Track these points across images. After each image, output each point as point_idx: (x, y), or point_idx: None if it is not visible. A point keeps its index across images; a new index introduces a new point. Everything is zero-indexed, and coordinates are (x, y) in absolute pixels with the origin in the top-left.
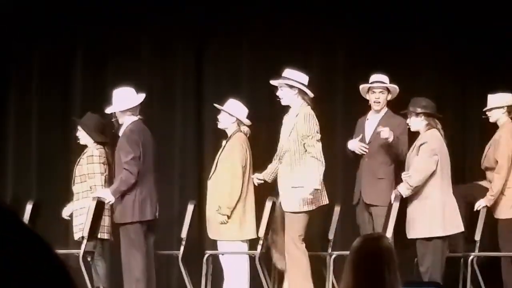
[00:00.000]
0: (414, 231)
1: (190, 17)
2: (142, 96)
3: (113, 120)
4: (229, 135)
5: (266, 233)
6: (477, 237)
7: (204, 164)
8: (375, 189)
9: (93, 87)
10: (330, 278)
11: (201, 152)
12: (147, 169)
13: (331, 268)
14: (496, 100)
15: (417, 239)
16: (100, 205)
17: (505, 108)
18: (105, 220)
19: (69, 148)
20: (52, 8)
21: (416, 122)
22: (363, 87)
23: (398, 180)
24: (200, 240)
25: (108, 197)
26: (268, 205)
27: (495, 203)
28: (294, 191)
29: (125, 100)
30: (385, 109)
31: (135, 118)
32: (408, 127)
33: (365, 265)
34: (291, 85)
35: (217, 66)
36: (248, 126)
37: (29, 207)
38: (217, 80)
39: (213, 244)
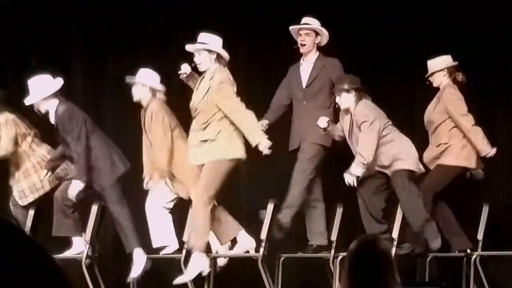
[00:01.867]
0: None
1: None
2: (60, 81)
3: (35, 110)
4: (144, 106)
5: (268, 235)
6: (480, 236)
7: None
8: (316, 130)
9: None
10: (336, 281)
11: None
12: (93, 135)
13: (337, 270)
14: (435, 64)
15: None
16: (102, 209)
17: (445, 70)
18: None
19: None
20: (50, 7)
21: (347, 99)
22: (292, 28)
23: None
24: None
25: (78, 186)
26: (269, 207)
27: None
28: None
29: (42, 88)
30: (316, 52)
31: (57, 101)
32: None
33: (361, 269)
34: (210, 50)
35: None
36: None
37: (31, 213)
38: None
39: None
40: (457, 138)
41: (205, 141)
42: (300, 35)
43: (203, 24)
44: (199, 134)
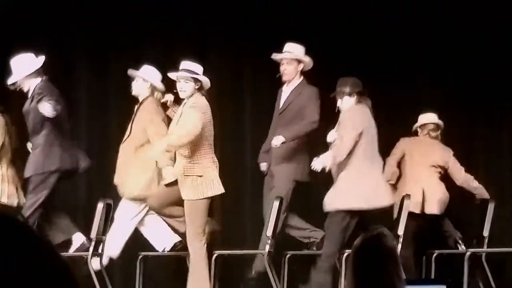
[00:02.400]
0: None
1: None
2: (42, 59)
3: (16, 89)
4: (140, 101)
5: (274, 232)
6: (485, 233)
7: None
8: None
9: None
10: (342, 277)
11: None
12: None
13: (343, 267)
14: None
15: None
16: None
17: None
18: None
19: None
20: (54, 8)
21: (349, 103)
22: (274, 56)
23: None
24: None
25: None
26: (275, 204)
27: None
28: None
29: (25, 66)
30: (300, 77)
31: (40, 79)
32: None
33: (366, 265)
34: (197, 79)
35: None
36: (162, 91)
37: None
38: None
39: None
40: None
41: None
42: (282, 63)
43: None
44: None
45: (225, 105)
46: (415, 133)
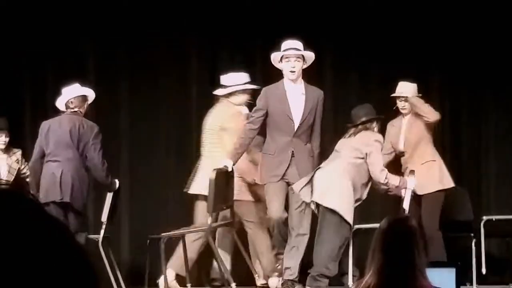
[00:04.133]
0: None
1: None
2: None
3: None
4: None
5: None
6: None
7: None
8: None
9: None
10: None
11: None
12: (51, 155)
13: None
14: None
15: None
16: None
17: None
18: None
19: None
20: (65, 9)
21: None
22: (275, 55)
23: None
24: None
25: None
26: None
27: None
28: None
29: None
30: (301, 79)
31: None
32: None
33: (395, 246)
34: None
35: (232, 56)
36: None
37: None
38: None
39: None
40: None
41: None
42: (289, 60)
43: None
44: None
45: None
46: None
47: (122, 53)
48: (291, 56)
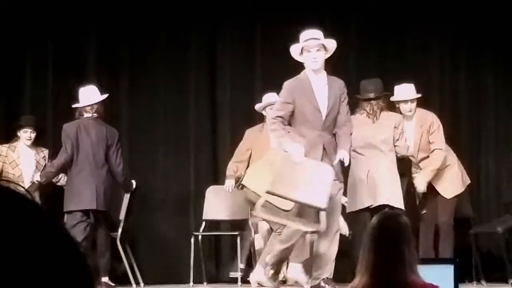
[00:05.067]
0: None
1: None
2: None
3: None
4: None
5: None
6: None
7: (218, 146)
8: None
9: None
10: None
11: (215, 133)
12: (81, 162)
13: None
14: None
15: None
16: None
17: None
18: None
19: None
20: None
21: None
22: (295, 47)
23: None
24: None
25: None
26: None
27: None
28: None
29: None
30: (323, 70)
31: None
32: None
33: (386, 242)
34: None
35: (231, 47)
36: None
37: None
38: (232, 60)
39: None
40: None
41: None
42: (310, 51)
43: None
44: None
45: None
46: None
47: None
48: (313, 47)
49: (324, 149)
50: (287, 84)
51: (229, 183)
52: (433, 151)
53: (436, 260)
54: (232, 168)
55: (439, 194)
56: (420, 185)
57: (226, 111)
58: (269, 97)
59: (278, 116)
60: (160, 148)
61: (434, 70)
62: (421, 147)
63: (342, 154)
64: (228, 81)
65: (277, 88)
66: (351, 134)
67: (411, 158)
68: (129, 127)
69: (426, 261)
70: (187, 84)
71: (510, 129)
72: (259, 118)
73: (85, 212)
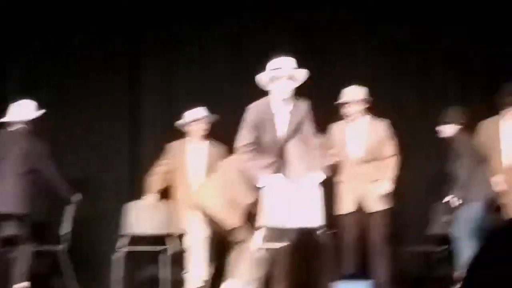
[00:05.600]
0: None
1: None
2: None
3: None
4: None
5: None
6: None
7: (140, 161)
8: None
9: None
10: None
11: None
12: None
13: None
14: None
15: None
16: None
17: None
18: None
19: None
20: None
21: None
22: (264, 75)
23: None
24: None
25: None
26: None
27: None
28: None
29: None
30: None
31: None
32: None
33: (303, 257)
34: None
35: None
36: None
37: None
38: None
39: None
40: None
41: None
42: (278, 80)
43: None
44: None
45: None
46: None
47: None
48: (282, 77)
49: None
50: (251, 109)
51: (150, 197)
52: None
53: (355, 276)
54: (151, 182)
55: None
56: None
57: (149, 126)
58: (192, 113)
59: (247, 144)
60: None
61: None
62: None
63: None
64: (150, 95)
65: (199, 103)
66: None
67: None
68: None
69: (348, 276)
70: (108, 100)
71: None
72: (182, 134)
73: None
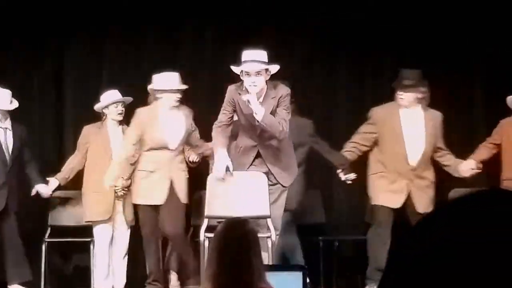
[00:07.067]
0: None
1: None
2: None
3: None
4: None
5: None
6: None
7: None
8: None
9: None
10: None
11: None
12: None
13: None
14: None
15: None
16: None
17: None
18: None
19: None
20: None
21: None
22: (234, 69)
23: None
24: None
25: None
26: None
27: None
28: None
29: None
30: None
31: None
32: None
33: (231, 250)
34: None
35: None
36: None
37: None
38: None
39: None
40: None
41: None
42: (248, 75)
43: None
44: None
45: None
46: None
47: None
48: (252, 71)
49: (259, 157)
50: (229, 89)
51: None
52: None
53: (285, 267)
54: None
55: None
56: None
57: (71, 112)
58: (108, 95)
59: (219, 122)
60: None
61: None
62: None
63: None
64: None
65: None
66: (281, 131)
67: None
68: None
69: (275, 268)
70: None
71: None
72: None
73: None
